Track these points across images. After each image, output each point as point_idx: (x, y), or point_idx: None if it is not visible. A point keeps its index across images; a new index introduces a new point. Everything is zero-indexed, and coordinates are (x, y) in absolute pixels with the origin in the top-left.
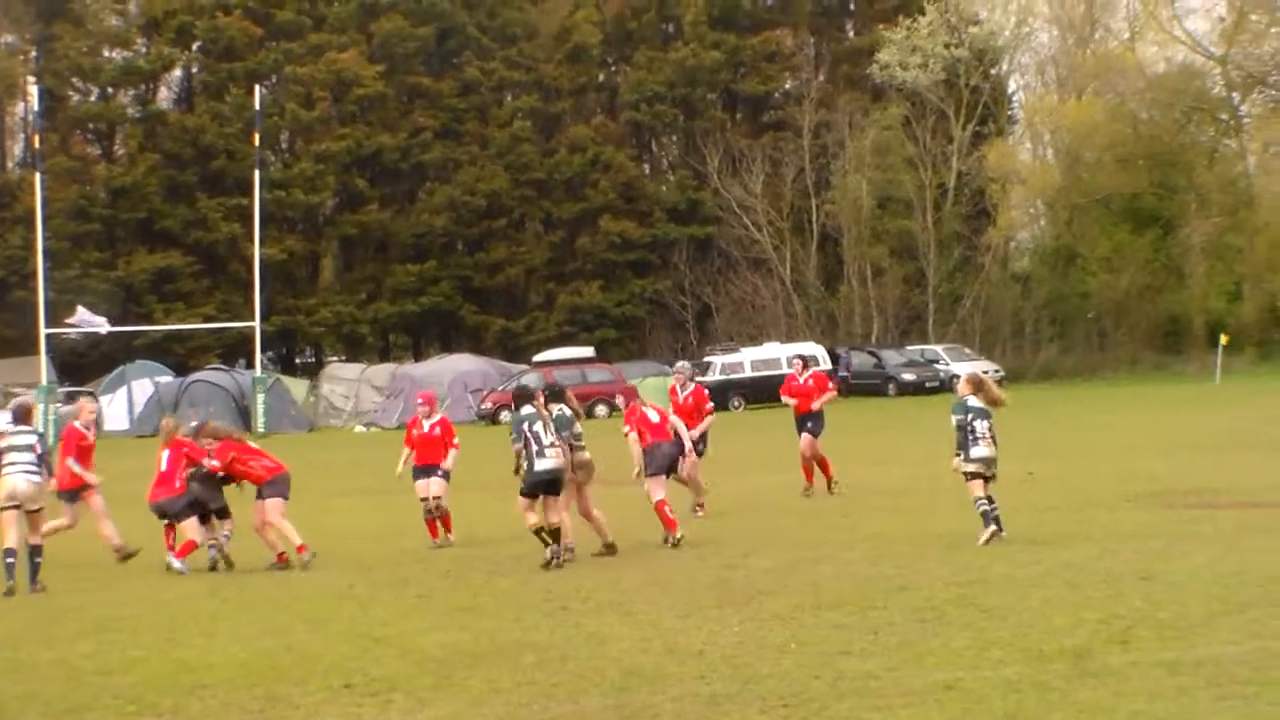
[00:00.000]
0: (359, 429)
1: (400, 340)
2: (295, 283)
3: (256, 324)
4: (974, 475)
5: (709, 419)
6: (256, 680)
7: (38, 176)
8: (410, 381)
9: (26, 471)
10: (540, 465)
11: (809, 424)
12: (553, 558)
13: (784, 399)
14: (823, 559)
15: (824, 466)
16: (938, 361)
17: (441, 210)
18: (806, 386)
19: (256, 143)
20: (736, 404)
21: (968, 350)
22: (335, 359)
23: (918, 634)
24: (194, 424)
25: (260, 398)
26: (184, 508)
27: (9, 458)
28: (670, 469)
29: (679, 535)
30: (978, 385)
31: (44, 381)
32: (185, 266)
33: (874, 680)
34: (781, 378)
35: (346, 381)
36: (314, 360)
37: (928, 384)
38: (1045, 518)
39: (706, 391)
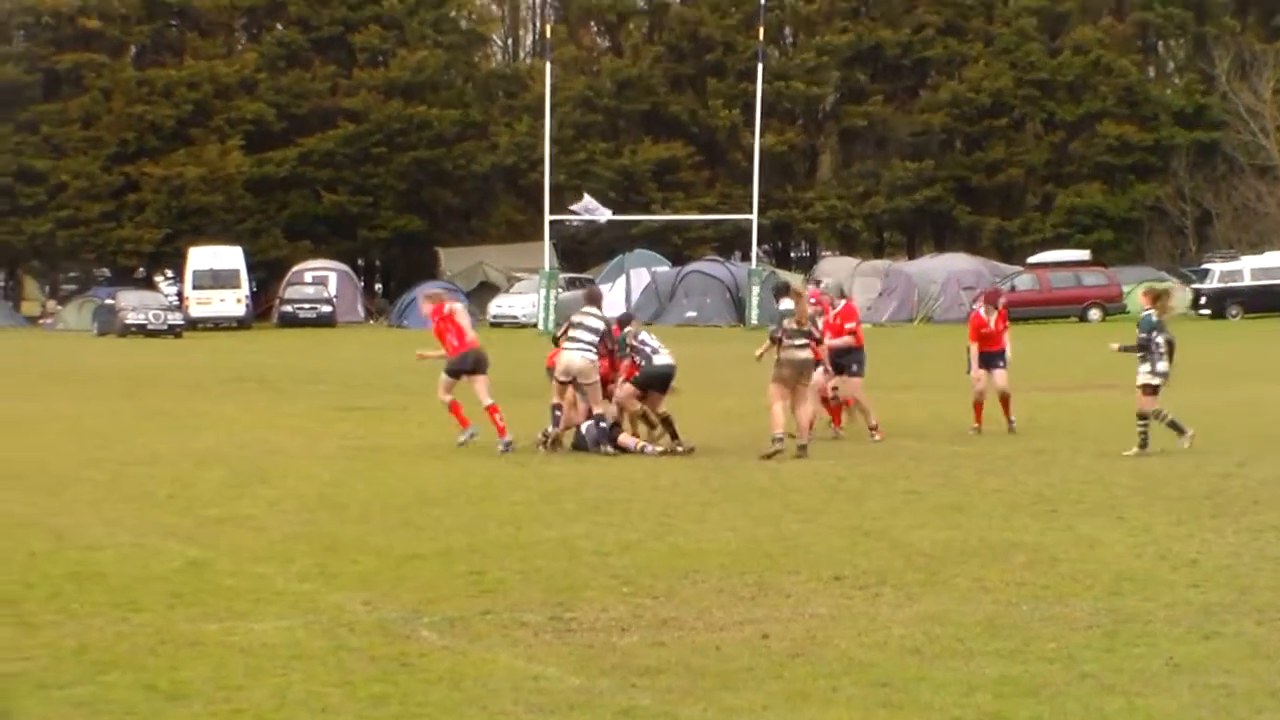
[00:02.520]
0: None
1: (894, 238)
2: (793, 176)
3: (754, 216)
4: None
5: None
6: (748, 567)
7: (547, 66)
8: (904, 278)
9: (582, 350)
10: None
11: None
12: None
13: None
14: None
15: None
16: None
17: (942, 108)
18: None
19: (760, 36)
20: (1234, 313)
21: None
22: (829, 254)
23: None
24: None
25: (754, 290)
26: None
27: (571, 333)
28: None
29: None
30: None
31: (546, 267)
32: (687, 157)
33: None
34: None
35: (840, 276)
36: (808, 255)
37: None
38: None
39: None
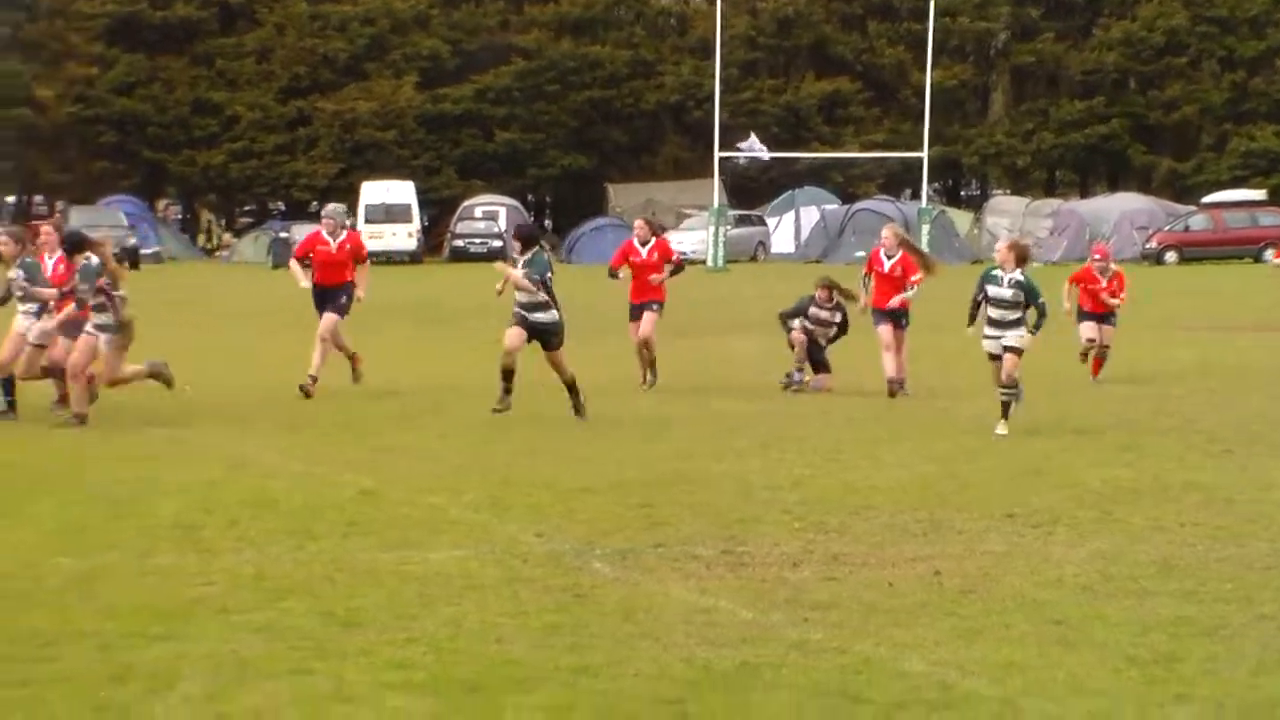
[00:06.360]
0: None
1: (1067, 177)
2: (964, 113)
3: (924, 154)
4: None
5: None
6: (919, 504)
7: (718, 4)
8: (1075, 218)
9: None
10: None
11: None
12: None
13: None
14: None
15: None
16: None
17: (1116, 46)
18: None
19: None
20: None
21: None
22: (1000, 192)
23: None
24: None
25: (925, 228)
26: None
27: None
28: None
29: None
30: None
31: (715, 204)
32: (854, 93)
33: None
34: None
35: (1010, 215)
36: (979, 193)
37: None
38: None
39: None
